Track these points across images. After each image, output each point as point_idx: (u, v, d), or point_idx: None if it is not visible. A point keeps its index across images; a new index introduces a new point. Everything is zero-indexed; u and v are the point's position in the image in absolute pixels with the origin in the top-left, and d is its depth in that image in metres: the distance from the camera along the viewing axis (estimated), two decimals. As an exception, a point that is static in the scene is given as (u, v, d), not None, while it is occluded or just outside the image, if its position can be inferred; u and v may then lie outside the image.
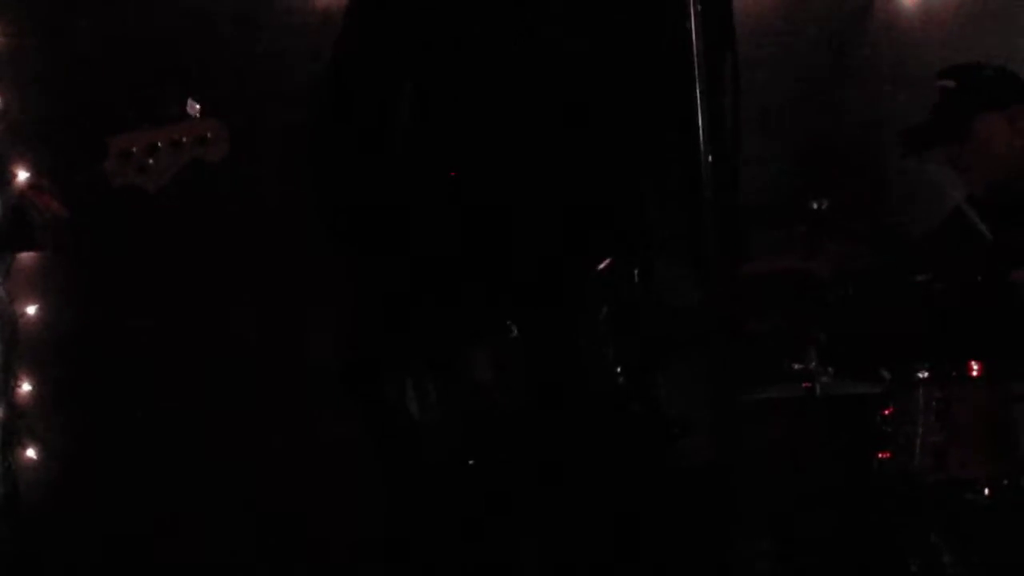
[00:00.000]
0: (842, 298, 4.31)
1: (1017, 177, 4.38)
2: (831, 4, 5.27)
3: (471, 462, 2.49)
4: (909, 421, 4.11)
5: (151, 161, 3.32)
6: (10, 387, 5.05)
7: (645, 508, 2.53)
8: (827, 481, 4.33)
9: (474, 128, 2.59)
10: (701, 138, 2.36)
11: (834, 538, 4.44)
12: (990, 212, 4.39)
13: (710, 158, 2.36)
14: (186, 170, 3.35)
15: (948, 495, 4.05)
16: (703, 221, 2.35)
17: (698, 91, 2.37)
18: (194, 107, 3.34)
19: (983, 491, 3.98)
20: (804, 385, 4.27)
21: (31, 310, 5.08)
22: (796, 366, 4.30)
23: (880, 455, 4.19)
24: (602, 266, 2.50)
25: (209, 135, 3.34)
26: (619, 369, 2.48)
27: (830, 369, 4.29)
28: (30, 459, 5.07)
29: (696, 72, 2.37)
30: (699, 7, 2.39)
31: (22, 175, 5.04)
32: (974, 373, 4.08)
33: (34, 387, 5.10)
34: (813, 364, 4.27)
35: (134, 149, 3.32)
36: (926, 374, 4.11)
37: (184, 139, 3.33)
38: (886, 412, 4.20)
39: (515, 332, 2.49)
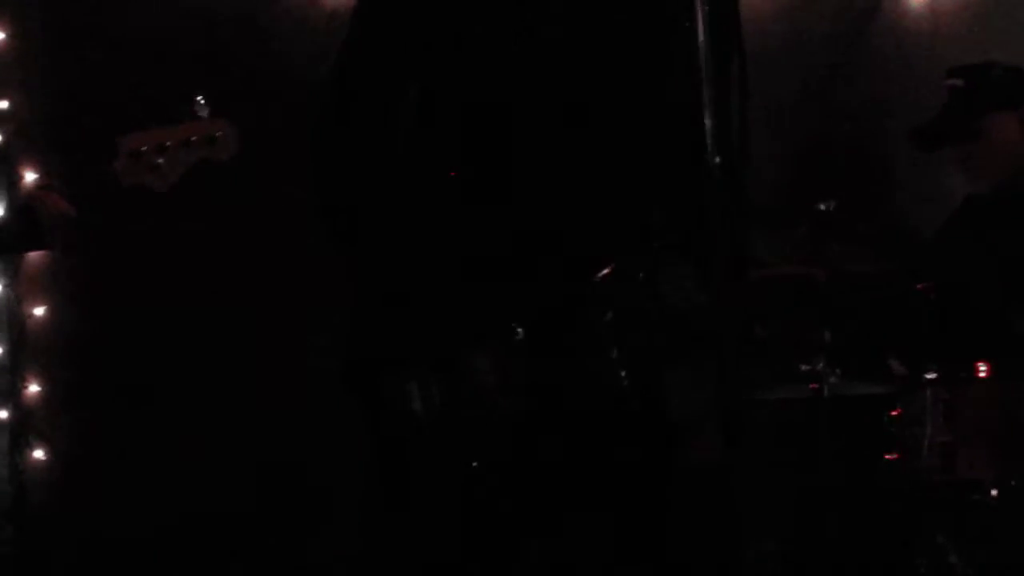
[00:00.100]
0: (847, 300, 4.31)
1: (1026, 177, 4.39)
2: (838, 3, 5.26)
3: (474, 464, 2.49)
4: (917, 422, 4.10)
5: (161, 161, 3.33)
6: (18, 388, 5.07)
7: (650, 510, 2.52)
8: (834, 482, 4.32)
9: (478, 130, 2.59)
10: (708, 140, 2.36)
11: (841, 539, 4.44)
12: (996, 212, 4.39)
13: (717, 160, 2.36)
14: (194, 170, 3.36)
15: (955, 496, 4.05)
16: (709, 223, 2.34)
17: (705, 92, 2.36)
18: (203, 107, 3.34)
19: (991, 492, 3.98)
20: (812, 386, 4.27)
21: (39, 311, 5.08)
22: (804, 367, 4.29)
23: (888, 456, 4.20)
24: (606, 269, 2.50)
25: (218, 135, 3.34)
26: (624, 372, 2.48)
27: (838, 370, 4.29)
28: (37, 460, 5.07)
29: (703, 73, 2.37)
30: (706, 7, 2.39)
31: (31, 176, 5.04)
32: (982, 374, 4.08)
33: (42, 388, 5.10)
34: (821, 365, 4.26)
35: (144, 148, 3.33)
36: (934, 375, 4.11)
37: (194, 138, 3.34)
38: (894, 413, 4.20)
39: (520, 334, 2.48)
